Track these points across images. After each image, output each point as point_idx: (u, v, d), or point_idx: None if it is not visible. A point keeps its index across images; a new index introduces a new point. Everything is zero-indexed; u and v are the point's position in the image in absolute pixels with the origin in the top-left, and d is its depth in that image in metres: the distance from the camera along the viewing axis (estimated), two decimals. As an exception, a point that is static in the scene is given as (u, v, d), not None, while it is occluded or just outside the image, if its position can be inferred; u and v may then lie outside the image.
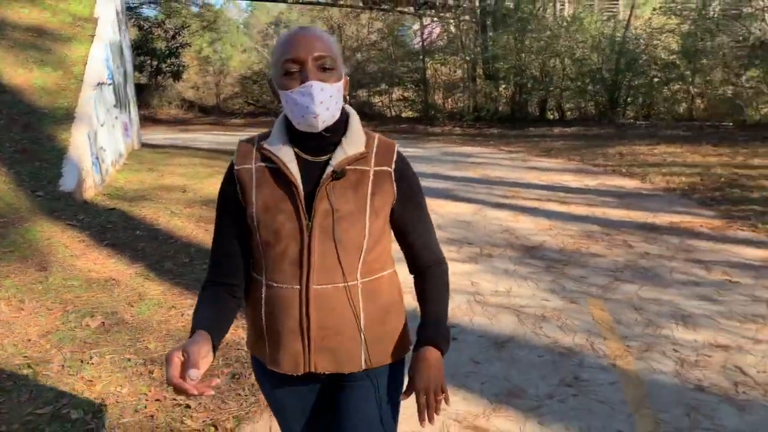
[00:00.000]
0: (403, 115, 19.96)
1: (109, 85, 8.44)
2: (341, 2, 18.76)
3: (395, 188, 1.41)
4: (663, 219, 6.33)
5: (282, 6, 26.49)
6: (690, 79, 15.19)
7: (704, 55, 14.44)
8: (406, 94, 20.20)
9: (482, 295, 4.32)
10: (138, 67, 19.54)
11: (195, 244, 5.18)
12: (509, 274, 4.75)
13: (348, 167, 1.37)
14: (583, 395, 2.97)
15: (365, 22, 22.29)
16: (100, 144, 7.27)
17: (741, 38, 14.24)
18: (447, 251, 1.24)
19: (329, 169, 1.35)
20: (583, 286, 4.46)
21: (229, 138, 14.30)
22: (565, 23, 17.12)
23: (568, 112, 17.94)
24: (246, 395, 2.97)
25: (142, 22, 21.68)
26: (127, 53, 10.67)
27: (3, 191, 5.43)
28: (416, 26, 19.91)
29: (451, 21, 18.85)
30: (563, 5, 19.28)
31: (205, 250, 5.03)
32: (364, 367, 1.44)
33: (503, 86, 17.63)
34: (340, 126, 1.39)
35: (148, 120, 17.00)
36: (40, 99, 7.03)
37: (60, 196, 5.63)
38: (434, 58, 18.94)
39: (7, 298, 3.84)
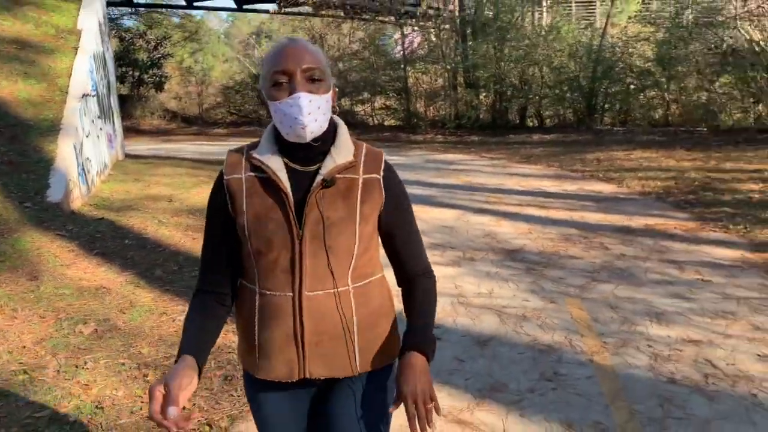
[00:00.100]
0: (386, 123, 20.13)
1: (94, 96, 8.50)
2: (323, 12, 18.92)
3: (383, 195, 1.43)
4: (638, 222, 6.53)
5: (264, 15, 26.60)
6: (665, 86, 15.55)
7: (678, 62, 14.81)
8: (388, 103, 20.38)
9: (465, 296, 4.46)
10: (120, 78, 19.52)
11: (183, 252, 5.26)
12: (491, 277, 4.91)
13: (338, 176, 1.39)
14: (562, 389, 3.12)
15: (347, 31, 22.49)
16: (86, 155, 7.32)
17: (713, 46, 14.63)
18: (431, 255, 1.32)
19: (319, 178, 1.37)
20: (561, 286, 4.63)
21: (213, 148, 14.36)
22: (543, 32, 17.45)
23: (548, 120, 18.24)
24: (239, 395, 3.08)
25: (123, 33, 21.69)
26: (110, 64, 10.72)
27: (-10, 203, 5.48)
28: (397, 35, 20.14)
29: (432, 30, 19.10)
30: (541, 14, 19.63)
31: (194, 258, 5.12)
32: (357, 372, 1.45)
33: (484, 94, 17.88)
34: (329, 136, 1.41)
35: (131, 131, 16.97)
36: (26, 111, 7.08)
37: (48, 207, 5.68)
38: (415, 66, 19.16)
39: (0, 306, 3.90)
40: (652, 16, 16.60)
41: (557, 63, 16.81)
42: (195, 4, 18.41)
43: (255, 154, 1.40)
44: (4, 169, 6.06)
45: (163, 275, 4.68)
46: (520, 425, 2.81)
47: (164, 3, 21.07)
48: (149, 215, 6.26)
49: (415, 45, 20.30)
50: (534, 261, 5.29)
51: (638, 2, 19.81)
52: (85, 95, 7.84)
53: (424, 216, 6.94)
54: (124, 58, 20.54)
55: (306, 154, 1.39)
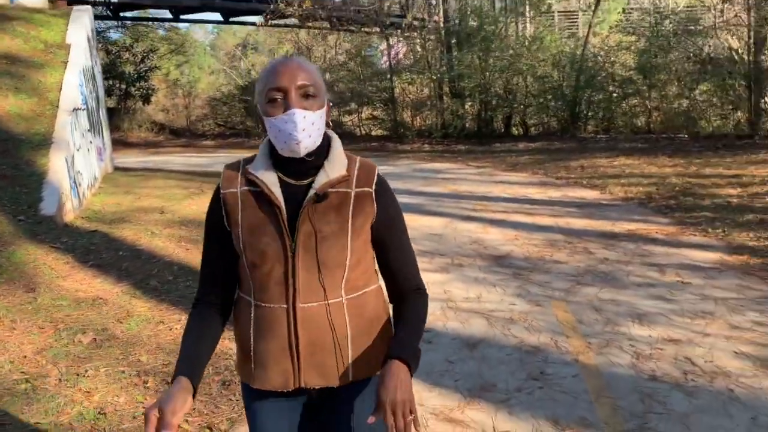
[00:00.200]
0: (373, 133, 20.30)
1: (83, 110, 8.57)
2: (309, 24, 19.11)
3: (375, 208, 1.45)
4: (621, 227, 6.72)
5: (249, 27, 26.74)
6: (646, 94, 15.88)
7: (659, 71, 15.14)
8: (375, 113, 20.56)
9: (454, 301, 4.59)
10: (107, 91, 19.54)
11: (177, 262, 5.35)
12: (479, 282, 5.05)
13: (330, 190, 1.42)
14: (548, 387, 3.26)
15: (333, 43, 22.68)
16: (77, 168, 7.39)
17: (692, 54, 14.99)
18: (420, 262, 1.38)
19: (312, 192, 1.40)
20: (547, 290, 4.78)
21: (202, 160, 14.44)
22: (526, 42, 17.75)
23: (532, 128, 18.50)
24: (237, 399, 3.18)
25: (110, 46, 21.72)
26: (99, 78, 10.79)
27: (-16, 217, 5.54)
28: (383, 46, 20.36)
29: (417, 41, 19.34)
30: (524, 25, 19.96)
31: (188, 268, 5.21)
32: (351, 380, 1.48)
33: (469, 104, 18.13)
34: (323, 150, 1.44)
35: (119, 143, 16.98)
36: (17, 125, 7.15)
37: (41, 220, 5.75)
38: (402, 77, 19.38)
39: (-1, 318, 3.98)
40: (633, 25, 16.96)
41: (541, 72, 17.11)
42: (182, 17, 18.52)
43: (250, 169, 1.44)
44: (-3, 184, 6.13)
45: (159, 285, 4.77)
46: (509, 422, 2.93)
47: (151, 16, 21.16)
48: (142, 227, 6.34)
49: (401, 55, 20.53)
50: (520, 266, 5.43)
51: (619, 12, 20.23)
52: (75, 109, 7.92)
53: (412, 224, 7.08)
54: (110, 71, 20.58)
55: (300, 169, 1.42)
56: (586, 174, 10.57)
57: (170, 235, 6.13)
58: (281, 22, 18.77)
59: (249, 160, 1.49)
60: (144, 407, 3.07)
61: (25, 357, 3.54)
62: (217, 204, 1.47)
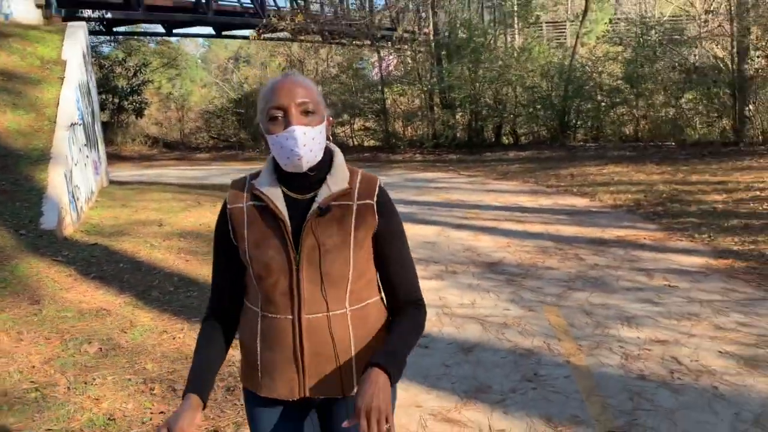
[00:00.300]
0: (365, 144, 20.48)
1: (80, 125, 8.67)
2: (301, 38, 19.31)
3: (377, 219, 1.50)
4: (611, 233, 6.88)
5: (241, 40, 26.94)
6: (634, 103, 16.14)
7: (645, 80, 15.41)
8: (367, 124, 20.75)
9: (449, 307, 4.73)
10: (100, 105, 19.64)
11: (177, 273, 5.46)
12: (473, 288, 5.19)
13: (333, 203, 1.46)
14: (541, 388, 3.39)
15: (325, 56, 22.89)
16: (75, 182, 7.48)
17: (677, 64, 15.28)
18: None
19: (315, 206, 1.44)
20: (539, 295, 4.92)
21: (196, 172, 14.54)
22: (515, 53, 18.03)
23: (522, 137, 18.73)
24: (242, 404, 3.29)
25: (102, 61, 21.83)
26: (94, 93, 10.90)
27: (-14, 231, 5.63)
28: (374, 59, 20.59)
29: (408, 53, 19.58)
30: (513, 36, 20.26)
31: (188, 278, 5.32)
32: (355, 390, 1.50)
33: (460, 114, 18.35)
34: (325, 164, 1.49)
35: (113, 157, 17.03)
36: (16, 141, 7.25)
37: (42, 234, 5.85)
38: (393, 89, 19.59)
39: (6, 330, 4.07)
40: (619, 36, 17.27)
41: (530, 83, 17.37)
42: (174, 31, 18.66)
43: (256, 185, 1.49)
44: (-2, 198, 6.22)
45: (160, 296, 4.88)
46: (504, 421, 3.06)
47: (144, 30, 21.28)
48: (140, 239, 6.44)
49: (391, 67, 20.77)
50: (513, 272, 5.58)
51: (606, 23, 20.59)
52: (72, 124, 8.02)
53: (406, 232, 7.19)
54: (103, 86, 20.66)
55: (303, 183, 1.47)
56: (575, 182, 10.76)
57: (169, 247, 6.24)
58: (273, 35, 18.95)
59: (255, 176, 1.54)
60: (152, 412, 3.18)
61: (34, 367, 3.63)
62: (224, 219, 1.53)
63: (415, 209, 8.80)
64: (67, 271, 5.23)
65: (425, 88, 18.99)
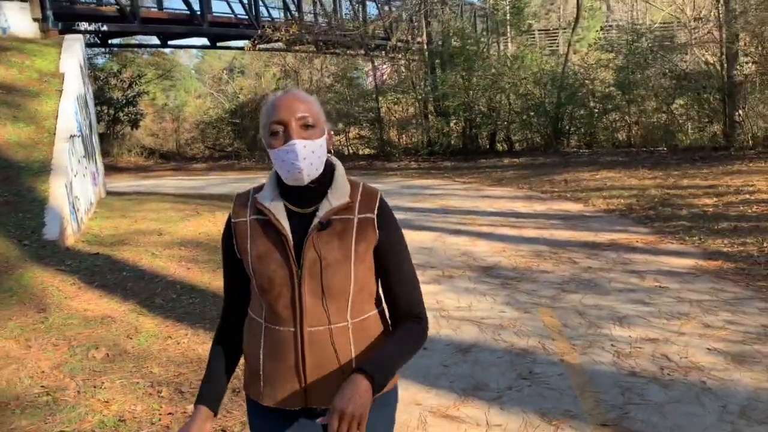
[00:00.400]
0: (361, 152, 20.63)
1: (79, 137, 8.79)
2: (295, 48, 19.48)
3: (377, 233, 1.51)
4: (604, 237, 7.03)
5: (235, 50, 27.11)
6: (626, 109, 16.35)
7: (637, 86, 15.62)
8: (362, 133, 20.90)
9: (447, 310, 4.85)
10: (96, 117, 19.77)
11: (179, 281, 5.56)
12: (469, 292, 5.31)
13: (334, 217, 1.48)
14: (536, 385, 3.51)
15: (319, 66, 23.07)
16: (75, 193, 7.58)
17: (668, 70, 15.50)
18: None
19: (316, 220, 1.46)
20: (534, 298, 5.05)
21: (193, 183, 14.65)
22: (508, 61, 18.24)
23: (516, 144, 18.91)
24: (247, 405, 3.40)
25: (97, 73, 21.95)
26: (91, 105, 11.02)
27: (-10, 242, 5.73)
28: (368, 68, 20.78)
29: (402, 62, 19.78)
30: (506, 44, 20.49)
31: (190, 286, 5.43)
32: None
33: (454, 121, 18.52)
34: (326, 178, 1.50)
35: (109, 168, 17.11)
36: (16, 153, 7.35)
37: (45, 244, 5.95)
38: (387, 97, 19.77)
39: (15, 337, 4.17)
40: (611, 43, 17.50)
41: (523, 90, 17.58)
42: (170, 42, 18.82)
43: (259, 199, 1.52)
44: (1, 210, 6.32)
45: (164, 303, 4.98)
46: (501, 416, 3.18)
47: (139, 42, 21.44)
48: (141, 248, 6.54)
49: (385, 75, 20.97)
50: (508, 276, 5.71)
51: (597, 30, 20.87)
52: (72, 136, 8.14)
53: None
54: (98, 97, 20.75)
55: (305, 196, 1.49)
56: (569, 187, 10.92)
57: (170, 256, 6.34)
58: (268, 46, 19.12)
59: (258, 189, 1.57)
60: (161, 413, 3.28)
61: (43, 372, 3.73)
62: (229, 233, 1.57)
63: (411, 216, 8.93)
64: (71, 280, 5.33)
65: (419, 97, 19.18)
